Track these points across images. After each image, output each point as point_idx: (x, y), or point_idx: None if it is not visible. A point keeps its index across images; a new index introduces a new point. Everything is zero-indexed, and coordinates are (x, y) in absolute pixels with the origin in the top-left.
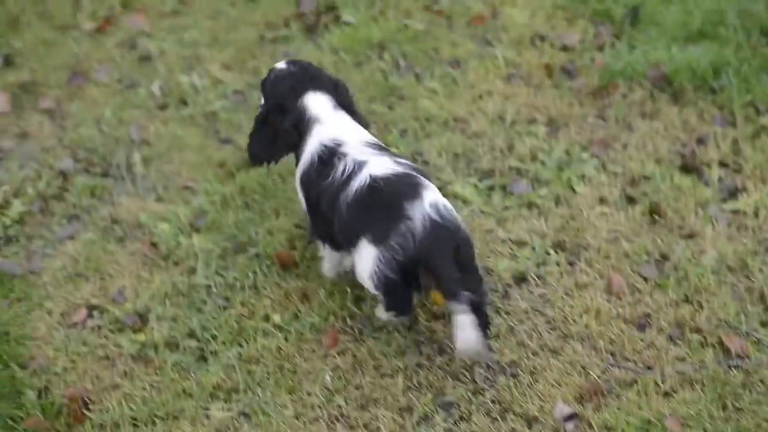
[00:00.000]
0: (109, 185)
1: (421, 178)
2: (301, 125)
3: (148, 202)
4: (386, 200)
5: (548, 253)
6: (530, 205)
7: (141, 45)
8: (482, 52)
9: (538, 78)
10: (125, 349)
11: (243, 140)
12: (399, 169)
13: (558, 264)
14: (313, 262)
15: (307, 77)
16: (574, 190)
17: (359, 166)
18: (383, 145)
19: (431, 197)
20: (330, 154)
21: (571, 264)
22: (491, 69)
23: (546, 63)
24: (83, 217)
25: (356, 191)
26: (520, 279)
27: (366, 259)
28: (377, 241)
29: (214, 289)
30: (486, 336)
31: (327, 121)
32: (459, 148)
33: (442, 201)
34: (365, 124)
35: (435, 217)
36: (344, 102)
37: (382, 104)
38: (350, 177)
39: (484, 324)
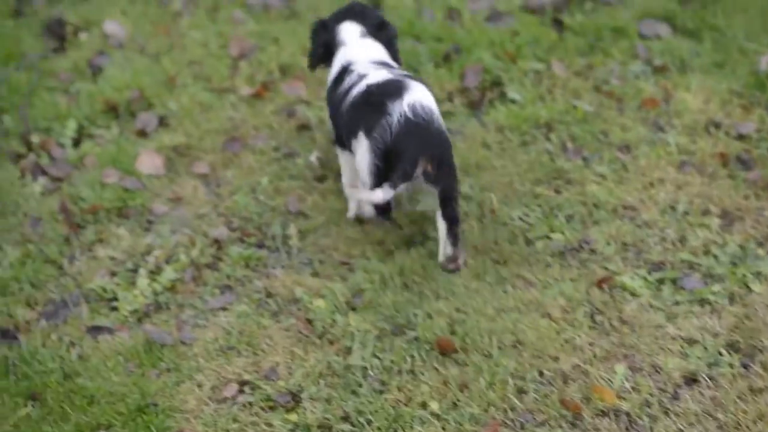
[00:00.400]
0: (264, 256)
1: (408, 81)
2: (330, 46)
3: (304, 276)
4: (375, 101)
5: (721, 354)
6: (702, 302)
7: (299, 113)
8: (654, 138)
9: (712, 167)
10: (277, 429)
11: (399, 219)
12: (390, 76)
13: (731, 366)
14: (473, 353)
15: (352, 11)
16: (749, 288)
17: (360, 77)
18: (390, 63)
19: (411, 98)
20: (343, 72)
21: (745, 366)
22: (663, 155)
23: (721, 152)
24: (236, 289)
25: (355, 96)
26: (691, 379)
27: (361, 150)
28: (367, 133)
29: (371, 372)
30: (456, 240)
31: (350, 46)
32: (628, 237)
33: (421, 101)
34: (397, 59)
35: (409, 114)
36: (381, 36)
37: (548, 187)
38: (352, 86)
39: (454, 226)
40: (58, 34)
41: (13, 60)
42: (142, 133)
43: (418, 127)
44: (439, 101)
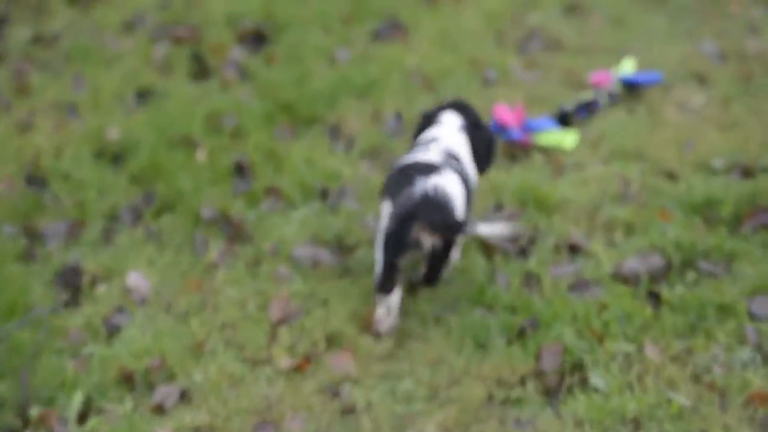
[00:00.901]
0: None
1: (443, 166)
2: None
3: None
4: (408, 175)
5: None
6: None
7: (345, 392)
8: None
9: None
10: None
11: None
12: (430, 158)
13: None
14: None
15: (456, 104)
16: None
17: (407, 157)
18: (458, 157)
19: (435, 180)
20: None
21: None
22: None
23: None
24: None
25: (397, 169)
26: None
27: (385, 212)
28: (391, 197)
29: None
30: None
31: (441, 130)
32: None
33: (442, 185)
34: (481, 165)
35: (429, 191)
36: (475, 134)
37: None
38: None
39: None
40: (72, 284)
41: (17, 313)
42: (159, 409)
43: (432, 203)
44: (508, 386)
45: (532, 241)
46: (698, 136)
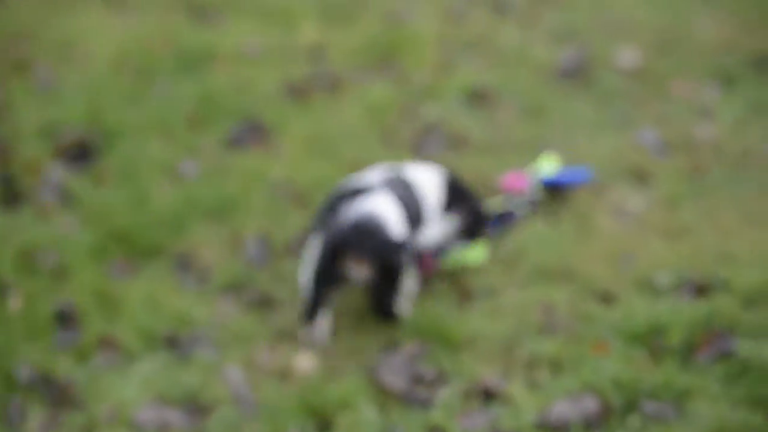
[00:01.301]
0: None
1: (378, 188)
2: None
3: None
4: (337, 202)
5: None
6: None
7: None
8: None
9: None
10: None
11: None
12: (366, 182)
13: None
14: None
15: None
16: None
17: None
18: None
19: (366, 205)
20: None
21: None
22: None
23: None
24: None
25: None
26: None
27: (314, 244)
28: (320, 227)
29: None
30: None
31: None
32: None
33: (373, 210)
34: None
35: (358, 218)
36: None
37: None
38: None
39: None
40: None
41: None
42: None
43: (356, 228)
44: None
45: (437, 385)
46: (639, 247)
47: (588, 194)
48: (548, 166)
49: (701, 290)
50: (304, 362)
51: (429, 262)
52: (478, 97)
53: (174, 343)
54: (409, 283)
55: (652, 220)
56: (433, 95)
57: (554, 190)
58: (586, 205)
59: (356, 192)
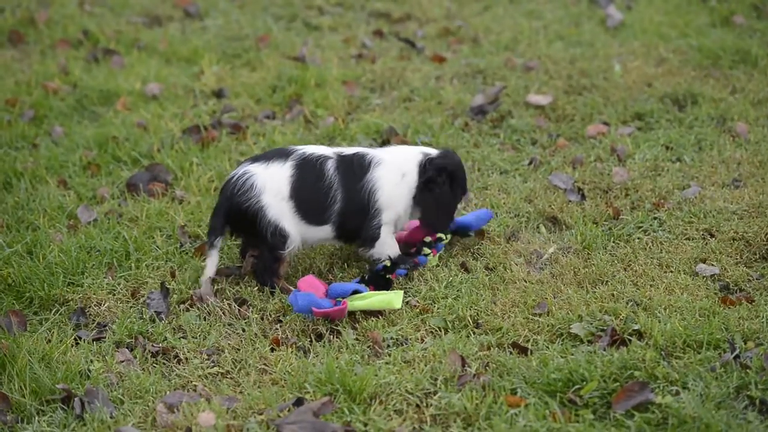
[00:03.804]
0: None
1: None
2: None
3: None
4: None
5: None
6: None
7: None
8: None
9: None
10: None
11: None
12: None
13: None
14: None
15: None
16: None
17: None
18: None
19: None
20: None
21: None
22: None
23: None
24: None
25: None
26: None
27: None
28: None
29: None
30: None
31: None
32: None
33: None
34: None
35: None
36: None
37: None
38: None
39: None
40: None
41: None
42: None
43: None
44: None
45: None
46: (553, 295)
47: (501, 241)
48: None
49: (618, 340)
50: (207, 419)
51: (338, 306)
52: (384, 140)
53: (69, 402)
54: None
55: (566, 268)
56: (338, 137)
57: (459, 232)
58: (499, 252)
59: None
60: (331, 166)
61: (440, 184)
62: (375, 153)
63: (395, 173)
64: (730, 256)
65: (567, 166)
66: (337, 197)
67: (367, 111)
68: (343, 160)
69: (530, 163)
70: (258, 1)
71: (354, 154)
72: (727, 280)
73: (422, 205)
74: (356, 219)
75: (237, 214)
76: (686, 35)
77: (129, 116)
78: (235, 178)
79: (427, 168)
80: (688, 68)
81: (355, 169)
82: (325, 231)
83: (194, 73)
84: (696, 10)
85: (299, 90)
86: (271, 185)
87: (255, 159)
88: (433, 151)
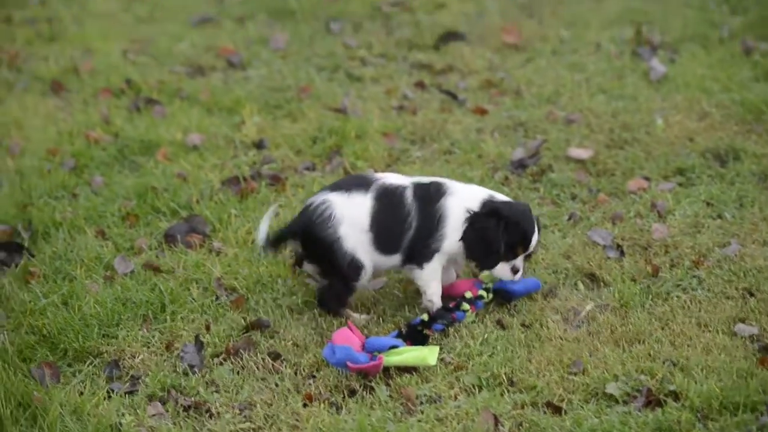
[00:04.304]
0: None
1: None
2: None
3: None
4: None
5: None
6: None
7: None
8: None
9: None
10: None
11: None
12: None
13: None
14: None
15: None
16: None
17: None
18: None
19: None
20: None
21: None
22: None
23: None
24: None
25: None
26: None
27: None
28: None
29: None
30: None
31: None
32: None
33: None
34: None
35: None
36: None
37: None
38: None
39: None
40: None
41: None
42: None
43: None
44: None
45: None
46: (589, 354)
47: (538, 298)
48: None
49: (653, 401)
50: None
51: (374, 362)
52: None
53: None
54: None
55: (603, 326)
56: None
57: (502, 295)
58: (536, 309)
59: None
60: (409, 195)
61: (483, 221)
62: (450, 183)
63: (462, 206)
64: None
65: (606, 221)
66: (411, 225)
67: (407, 163)
68: (420, 187)
69: (569, 219)
70: (301, 52)
71: (431, 182)
72: (767, 340)
73: (464, 241)
74: (422, 244)
75: (313, 243)
76: (729, 89)
77: (169, 167)
78: (314, 205)
79: (483, 207)
80: (730, 123)
81: (432, 195)
82: (395, 259)
83: (235, 124)
84: (739, 63)
85: (339, 141)
86: (350, 216)
87: (334, 187)
88: (505, 198)
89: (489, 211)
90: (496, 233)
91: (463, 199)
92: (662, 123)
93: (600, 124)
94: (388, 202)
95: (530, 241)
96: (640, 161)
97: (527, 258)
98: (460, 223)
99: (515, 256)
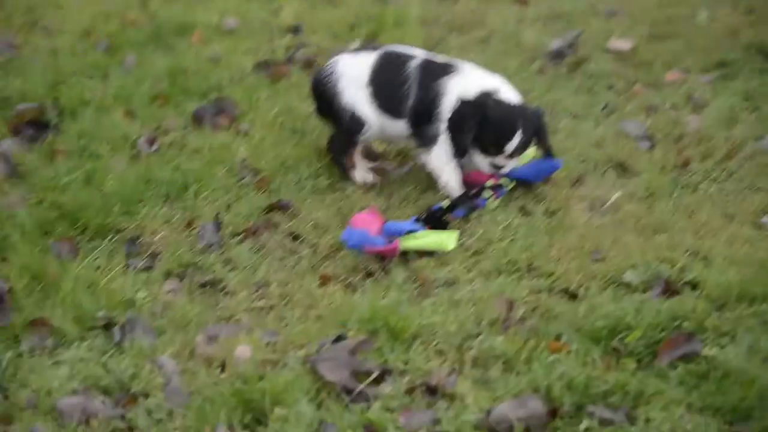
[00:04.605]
0: None
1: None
2: None
3: None
4: None
5: None
6: None
7: None
8: None
9: None
10: None
11: None
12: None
13: None
14: None
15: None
16: None
17: None
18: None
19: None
20: None
21: None
22: None
23: None
24: None
25: None
26: None
27: None
28: None
29: None
30: None
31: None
32: None
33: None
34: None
35: None
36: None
37: None
38: None
39: None
40: None
41: None
42: None
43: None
44: None
45: (380, 380)
46: (611, 243)
47: (565, 186)
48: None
49: (671, 290)
50: (244, 352)
51: (390, 248)
52: None
53: (111, 328)
54: None
55: (628, 215)
56: None
57: (524, 181)
58: (562, 197)
59: None
60: (414, 64)
61: (463, 110)
62: (463, 67)
63: (460, 89)
64: None
65: (641, 112)
66: (410, 92)
67: (444, 51)
68: (430, 62)
69: (604, 108)
70: None
71: (444, 61)
72: None
73: (447, 123)
74: (427, 119)
75: (319, 97)
76: None
77: (203, 49)
78: (326, 65)
79: (475, 99)
80: None
81: (437, 71)
82: (401, 125)
83: (273, 9)
84: None
85: (377, 28)
86: (350, 72)
87: (353, 50)
88: (509, 96)
89: (474, 103)
90: (468, 125)
91: (464, 84)
92: (706, 17)
93: (643, 16)
94: (390, 64)
95: (503, 145)
96: (680, 53)
97: (511, 158)
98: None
99: (494, 154)
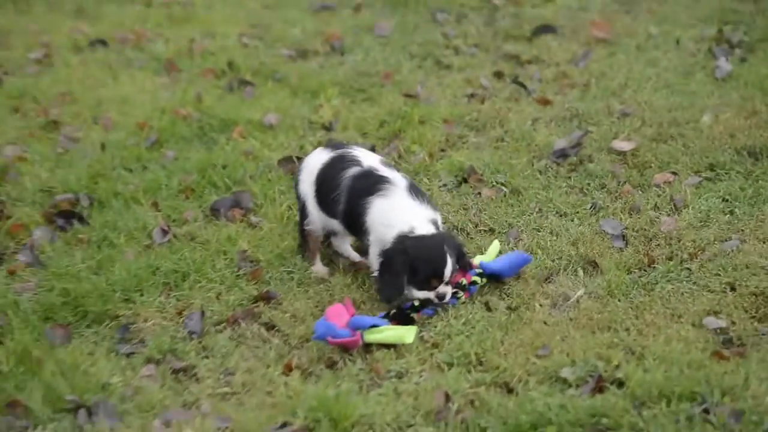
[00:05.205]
0: None
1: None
2: None
3: None
4: None
5: None
6: None
7: None
8: None
9: None
10: None
11: None
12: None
13: None
14: None
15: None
16: None
17: None
18: None
19: None
20: None
21: None
22: None
23: None
24: None
25: None
26: None
27: None
28: None
29: None
30: None
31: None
32: None
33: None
34: None
35: None
36: None
37: None
38: None
39: None
40: None
41: None
42: None
43: None
44: None
45: None
46: (560, 339)
47: (534, 282)
48: (491, 254)
49: (600, 386)
50: None
51: (353, 339)
52: (464, 178)
53: (76, 411)
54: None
55: (584, 313)
56: (423, 173)
57: (493, 277)
58: (528, 293)
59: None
60: (351, 173)
61: (392, 257)
62: (392, 184)
63: (384, 218)
64: (746, 311)
65: (624, 212)
66: (340, 199)
67: (459, 149)
68: (364, 175)
69: (592, 207)
70: (401, 40)
71: (378, 176)
72: (732, 334)
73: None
74: (357, 228)
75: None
76: None
77: (240, 144)
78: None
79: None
80: None
81: (366, 186)
82: (335, 224)
83: (315, 106)
84: None
85: (403, 125)
86: (308, 168)
87: (324, 147)
88: (425, 228)
89: (396, 250)
90: (397, 271)
91: (384, 212)
92: (709, 119)
93: (653, 117)
94: (334, 167)
95: (442, 273)
96: (677, 155)
97: (450, 284)
98: (379, 230)
99: (434, 287)
